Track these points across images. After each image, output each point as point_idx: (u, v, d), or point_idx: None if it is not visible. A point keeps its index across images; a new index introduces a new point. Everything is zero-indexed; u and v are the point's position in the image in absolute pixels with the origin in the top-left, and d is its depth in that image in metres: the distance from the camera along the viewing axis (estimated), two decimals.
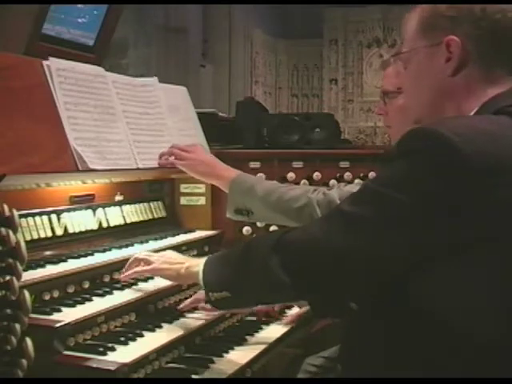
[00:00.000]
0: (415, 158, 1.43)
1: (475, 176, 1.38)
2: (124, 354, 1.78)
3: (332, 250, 1.51)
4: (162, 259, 2.10)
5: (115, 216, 2.57)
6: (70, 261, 2.12)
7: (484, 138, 1.42)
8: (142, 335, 1.94)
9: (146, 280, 2.24)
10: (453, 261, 1.41)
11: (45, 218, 2.22)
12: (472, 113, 1.58)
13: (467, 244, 1.40)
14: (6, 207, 1.55)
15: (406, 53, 1.70)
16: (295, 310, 2.49)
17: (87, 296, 1.99)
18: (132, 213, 2.67)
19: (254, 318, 2.45)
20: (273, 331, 2.36)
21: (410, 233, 1.43)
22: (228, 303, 1.83)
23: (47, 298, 1.92)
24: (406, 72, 1.72)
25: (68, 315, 1.81)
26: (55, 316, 1.80)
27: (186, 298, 2.23)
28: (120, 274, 2.19)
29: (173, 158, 2.60)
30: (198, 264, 1.92)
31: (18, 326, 1.54)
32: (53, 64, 2.20)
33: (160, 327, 2.03)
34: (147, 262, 2.13)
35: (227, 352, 2.11)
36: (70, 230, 2.32)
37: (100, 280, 2.14)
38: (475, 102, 1.58)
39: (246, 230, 3.10)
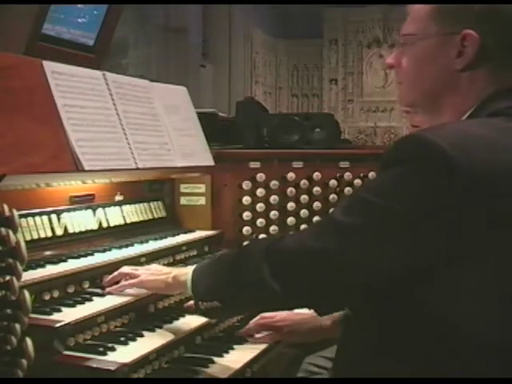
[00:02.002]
0: (407, 166, 1.42)
1: (467, 184, 1.37)
2: (124, 354, 1.78)
3: (322, 259, 1.50)
4: (149, 272, 2.07)
5: (115, 216, 2.57)
6: (70, 261, 2.12)
7: (476, 146, 1.40)
8: (142, 335, 1.94)
9: None
10: (449, 266, 1.41)
11: (45, 218, 2.22)
12: (468, 112, 1.56)
13: (462, 250, 1.39)
14: (6, 207, 1.55)
15: (414, 35, 1.61)
16: None
17: (87, 296, 2.00)
18: (132, 213, 2.67)
19: None
20: None
21: (402, 241, 1.42)
22: (218, 313, 1.82)
23: (47, 298, 1.92)
24: (409, 53, 1.63)
25: (68, 315, 1.81)
26: (55, 316, 1.80)
27: (187, 298, 2.22)
28: None
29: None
30: (185, 273, 1.90)
31: (17, 326, 1.54)
32: (48, 67, 2.18)
33: (160, 327, 2.03)
34: (133, 276, 2.08)
35: (227, 352, 2.11)
36: (70, 230, 2.32)
37: (100, 280, 2.13)
38: (473, 101, 1.56)
39: (246, 230, 3.09)
